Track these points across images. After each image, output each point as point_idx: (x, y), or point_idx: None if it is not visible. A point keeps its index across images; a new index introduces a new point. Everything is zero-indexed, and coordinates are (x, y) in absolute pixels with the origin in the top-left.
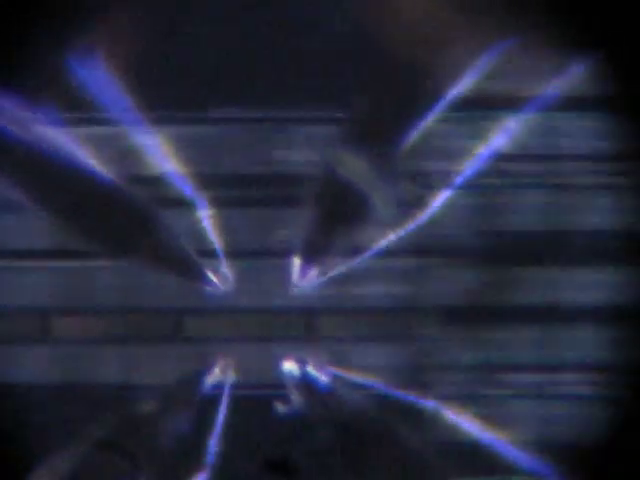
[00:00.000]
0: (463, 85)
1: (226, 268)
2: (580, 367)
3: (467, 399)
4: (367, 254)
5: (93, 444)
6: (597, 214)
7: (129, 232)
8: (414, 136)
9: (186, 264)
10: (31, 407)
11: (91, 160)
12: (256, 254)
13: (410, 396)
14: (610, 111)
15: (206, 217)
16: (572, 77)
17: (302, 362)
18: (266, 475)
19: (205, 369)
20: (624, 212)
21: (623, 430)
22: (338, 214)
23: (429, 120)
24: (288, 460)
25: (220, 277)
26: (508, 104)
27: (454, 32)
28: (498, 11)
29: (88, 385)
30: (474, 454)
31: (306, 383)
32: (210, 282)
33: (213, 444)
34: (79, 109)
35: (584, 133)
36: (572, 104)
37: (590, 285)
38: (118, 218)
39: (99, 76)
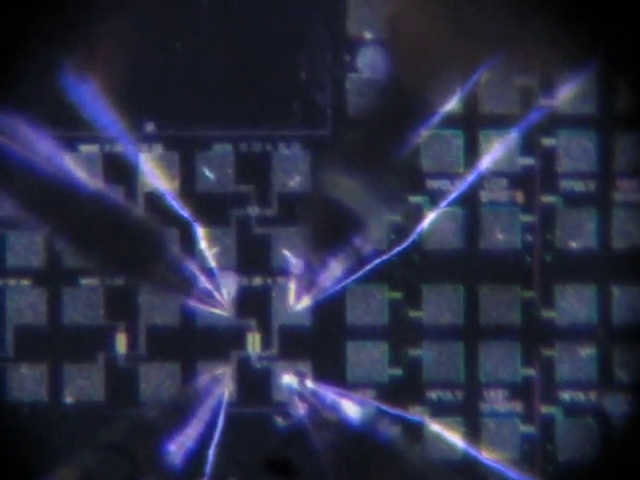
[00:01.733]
0: (455, 102)
1: (225, 287)
2: (572, 385)
3: (458, 416)
4: (360, 275)
5: (97, 451)
6: (593, 233)
7: (135, 253)
8: (405, 155)
9: (190, 284)
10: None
11: (93, 179)
12: (254, 273)
13: (403, 412)
14: (610, 129)
15: (202, 237)
16: (568, 93)
17: (302, 376)
18: (267, 475)
19: (206, 383)
20: (613, 231)
21: (620, 448)
22: (331, 235)
23: (420, 139)
24: (289, 461)
25: (220, 296)
26: (500, 122)
27: (446, 49)
28: (490, 27)
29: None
30: (465, 471)
31: (306, 397)
32: (212, 301)
33: (212, 456)
34: (77, 128)
35: (580, 151)
36: (567, 121)
37: (581, 304)
38: (124, 238)
39: (93, 94)
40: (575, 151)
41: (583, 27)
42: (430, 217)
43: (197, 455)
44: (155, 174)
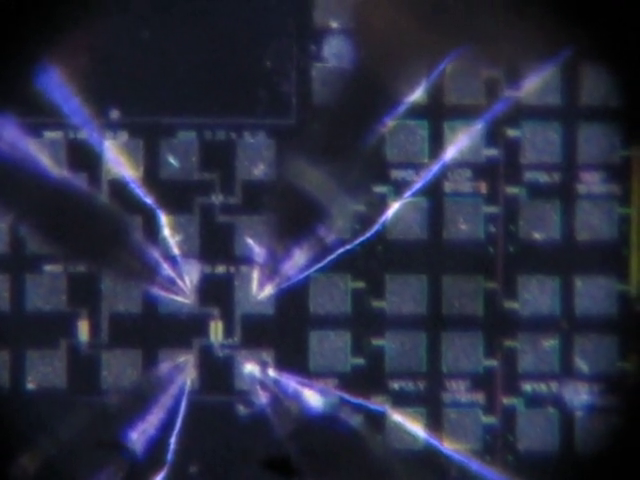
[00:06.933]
0: (420, 93)
1: (188, 275)
2: (534, 376)
3: (420, 406)
4: (324, 264)
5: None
6: (556, 224)
7: (99, 240)
8: (370, 145)
9: (153, 271)
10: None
11: (57, 166)
12: (217, 261)
13: (366, 402)
14: (574, 120)
15: (165, 224)
16: (533, 85)
17: (264, 365)
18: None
19: (168, 371)
20: (577, 223)
21: (580, 439)
22: (295, 224)
23: (385, 129)
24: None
25: (183, 284)
26: (465, 113)
27: (412, 39)
28: (456, 18)
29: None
30: (426, 461)
31: (268, 386)
32: (174, 289)
33: (173, 444)
34: (41, 114)
35: (544, 142)
36: (532, 113)
37: (544, 295)
38: (87, 225)
39: (58, 80)
40: (540, 142)
41: (549, 19)
42: (394, 207)
43: (159, 443)
44: (119, 161)
